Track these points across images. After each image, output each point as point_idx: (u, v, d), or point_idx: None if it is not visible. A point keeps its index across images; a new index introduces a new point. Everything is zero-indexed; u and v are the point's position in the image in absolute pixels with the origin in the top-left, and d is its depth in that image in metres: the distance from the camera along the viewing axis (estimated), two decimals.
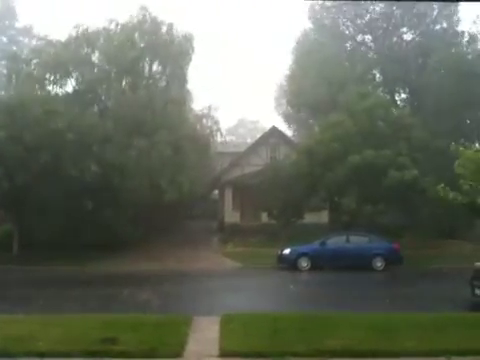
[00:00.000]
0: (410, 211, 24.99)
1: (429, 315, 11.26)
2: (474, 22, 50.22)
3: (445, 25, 33.09)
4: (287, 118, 40.81)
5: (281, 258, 20.92)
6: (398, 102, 33.20)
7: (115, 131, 23.98)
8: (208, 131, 31.25)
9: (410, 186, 21.93)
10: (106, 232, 22.63)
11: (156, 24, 27.60)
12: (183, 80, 28.60)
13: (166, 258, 23.14)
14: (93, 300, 13.42)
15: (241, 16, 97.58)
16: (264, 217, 28.22)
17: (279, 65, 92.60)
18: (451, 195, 11.81)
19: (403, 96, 34.49)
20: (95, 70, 26.78)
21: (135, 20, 27.60)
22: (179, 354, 8.20)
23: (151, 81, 28.28)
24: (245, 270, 20.67)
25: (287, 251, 20.75)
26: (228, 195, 31.50)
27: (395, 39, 34.04)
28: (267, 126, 37.19)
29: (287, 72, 37.35)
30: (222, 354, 8.27)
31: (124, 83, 27.42)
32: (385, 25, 33.59)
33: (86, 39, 26.86)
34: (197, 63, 47.19)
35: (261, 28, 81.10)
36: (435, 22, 33.17)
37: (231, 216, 30.70)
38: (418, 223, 24.54)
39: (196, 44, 28.97)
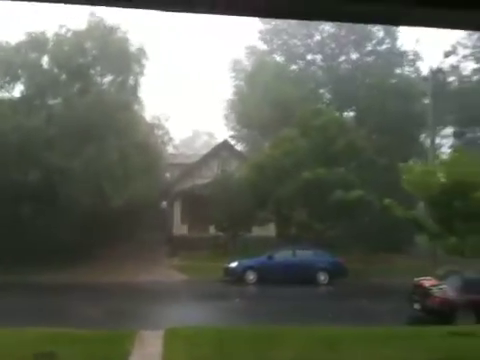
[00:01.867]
0: (357, 226, 25.61)
1: (371, 328, 11.51)
2: (417, 41, 52.79)
3: (390, 45, 34.51)
4: (238, 135, 41.02)
5: (228, 271, 20.83)
6: (347, 120, 34.12)
7: (62, 136, 23.32)
8: (159, 141, 30.88)
9: (355, 205, 22.46)
10: (47, 241, 21.78)
11: (108, 31, 27.18)
12: (134, 88, 28.23)
13: (110, 270, 22.50)
14: (29, 313, 12.80)
15: (197, 31, 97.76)
16: (212, 229, 28.10)
17: (229, 81, 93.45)
18: (398, 211, 12.17)
19: (351, 114, 35.52)
20: (44, 75, 26.03)
21: (86, 26, 27.08)
22: None
23: (102, 88, 27.76)
24: (192, 283, 20.44)
25: (234, 264, 20.70)
26: (177, 206, 31.16)
27: (343, 58, 35.11)
28: (221, 139, 37.23)
29: (235, 90, 37.55)
30: None
31: (73, 89, 26.77)
32: (334, 45, 34.62)
33: (36, 43, 26.12)
34: (152, 72, 46.74)
35: (216, 42, 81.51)
36: (381, 42, 34.52)
37: (179, 228, 30.37)
38: (365, 238, 25.15)
39: (151, 53, 28.78)
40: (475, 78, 31.50)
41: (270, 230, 27.67)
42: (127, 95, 27.55)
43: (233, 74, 37.08)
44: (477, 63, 31.10)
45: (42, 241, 21.49)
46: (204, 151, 38.46)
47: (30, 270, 20.22)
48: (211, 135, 66.46)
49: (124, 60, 26.87)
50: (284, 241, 24.15)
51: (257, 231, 26.30)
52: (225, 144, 34.73)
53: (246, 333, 10.60)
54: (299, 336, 10.49)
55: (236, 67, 36.95)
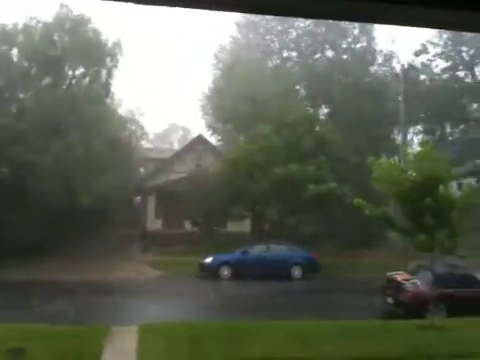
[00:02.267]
0: (330, 222, 25.91)
1: (344, 323, 11.67)
2: (392, 41, 53.55)
3: (365, 44, 34.90)
4: (212, 129, 40.94)
5: (203, 267, 20.82)
6: (321, 117, 34.44)
7: (31, 131, 22.83)
8: (132, 135, 30.56)
9: (328, 198, 22.71)
10: (15, 237, 21.31)
11: (79, 23, 26.69)
12: (107, 82, 27.82)
13: (83, 266, 22.17)
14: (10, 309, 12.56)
15: (174, 22, 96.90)
16: (187, 225, 28.00)
17: (206, 76, 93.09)
18: (368, 209, 12.32)
19: (325, 111, 35.82)
20: (14, 68, 25.42)
21: (56, 18, 26.51)
22: None
23: (74, 81, 27.28)
24: (166, 279, 20.33)
25: (209, 260, 20.70)
26: (151, 202, 30.92)
27: (319, 55, 35.35)
28: (197, 134, 37.06)
29: (211, 85, 37.48)
30: None
31: (44, 82, 26.23)
32: (310, 42, 34.81)
33: (6, 36, 25.47)
34: (127, 66, 46.14)
35: (192, 35, 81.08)
36: (356, 40, 34.88)
37: (153, 223, 30.14)
38: (337, 233, 25.45)
39: (127, 47, 28.44)
40: (445, 76, 32.15)
41: (245, 226, 27.76)
42: (99, 88, 27.15)
43: (215, 62, 36.91)
44: (447, 62, 31.75)
45: (11, 239, 20.98)
46: (179, 146, 38.20)
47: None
48: (186, 130, 65.98)
49: (96, 53, 26.42)
50: (259, 236, 24.28)
51: (232, 227, 26.34)
52: (200, 138, 34.58)
53: (220, 328, 10.63)
54: (272, 331, 10.57)
55: (219, 56, 36.79)
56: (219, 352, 8.92)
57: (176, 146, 38.73)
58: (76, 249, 24.62)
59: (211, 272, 20.36)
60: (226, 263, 20.48)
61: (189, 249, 24.57)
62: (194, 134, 38.71)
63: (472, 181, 24.20)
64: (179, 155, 33.75)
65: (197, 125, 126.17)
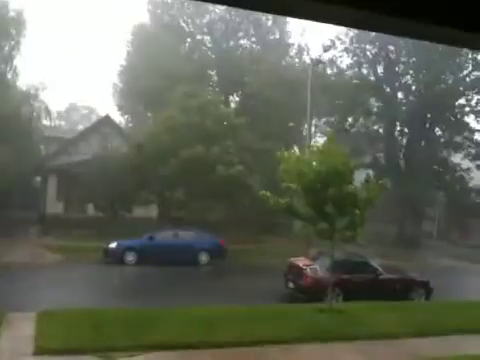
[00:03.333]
0: (237, 208, 26.32)
1: (247, 307, 11.96)
2: (301, 35, 55.18)
3: (278, 36, 35.57)
4: (122, 108, 39.71)
5: (107, 252, 20.21)
6: (232, 104, 34.69)
7: None
8: (34, 112, 28.75)
9: (235, 182, 23.00)
10: None
11: None
12: (10, 55, 25.98)
13: None
14: None
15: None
16: (91, 209, 27.00)
17: (118, 53, 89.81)
18: (272, 200, 12.64)
19: (237, 99, 36.14)
20: None
21: None
22: None
23: None
24: (67, 264, 19.47)
25: (113, 245, 20.13)
26: (52, 183, 29.27)
27: (232, 43, 35.48)
28: (103, 114, 35.57)
29: (124, 62, 36.31)
30: (37, 352, 7.68)
31: None
32: (224, 28, 34.80)
33: None
34: (32, 41, 43.25)
35: (104, 12, 77.61)
36: (269, 31, 35.45)
37: (54, 206, 28.62)
38: (244, 219, 25.94)
39: (30, 21, 26.78)
40: (350, 72, 33.71)
41: (152, 211, 27.37)
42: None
43: (130, 39, 35.67)
44: (352, 58, 33.27)
45: None
46: (82, 126, 36.52)
47: None
48: (92, 109, 63.33)
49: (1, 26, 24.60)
50: (166, 222, 24.06)
51: (139, 212, 25.83)
52: (107, 119, 33.31)
53: (123, 314, 10.43)
54: (176, 316, 10.56)
55: (133, 34, 35.58)
56: (124, 337, 8.75)
57: (81, 126, 36.95)
58: None
59: (116, 258, 19.81)
60: (132, 248, 20.04)
61: (92, 234, 23.75)
62: (100, 114, 37.20)
63: (371, 173, 25.73)
64: (84, 136, 32.27)
65: (104, 105, 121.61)
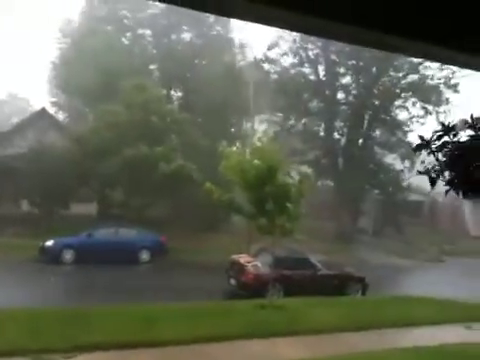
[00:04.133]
0: (178, 205, 26.10)
1: (188, 305, 11.92)
2: (243, 31, 55.29)
3: (221, 32, 35.49)
4: (59, 103, 38.28)
5: (43, 250, 19.43)
6: (173, 100, 34.32)
7: None
8: None
9: (177, 177, 22.81)
10: None
11: None
12: None
13: None
14: None
15: None
16: (25, 205, 25.89)
17: (55, 45, 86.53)
18: (216, 194, 12.69)
19: (179, 94, 35.79)
20: None
21: None
22: None
23: None
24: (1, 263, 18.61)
25: (50, 243, 19.40)
26: None
27: (174, 37, 35.05)
28: (39, 106, 34.17)
29: (59, 54, 34.92)
30: None
31: None
32: (165, 22, 34.30)
33: None
34: None
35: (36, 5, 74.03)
36: (211, 27, 35.30)
37: None
38: (185, 217, 25.76)
39: None
40: (292, 71, 34.23)
41: (91, 208, 26.61)
42: None
43: (60, 35, 34.33)
44: (294, 58, 33.80)
45: None
46: (17, 119, 34.93)
47: None
48: (26, 101, 60.71)
49: None
50: (106, 219, 23.47)
51: (77, 208, 25.02)
52: (43, 112, 32.09)
53: (59, 314, 10.12)
54: (114, 315, 10.36)
55: (66, 28, 34.26)
56: (60, 338, 8.47)
57: (15, 119, 35.29)
58: None
59: (52, 256, 19.07)
60: (69, 246, 19.38)
61: (26, 231, 22.79)
62: (35, 107, 35.69)
63: (308, 170, 26.35)
64: (19, 129, 30.94)
65: (39, 97, 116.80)
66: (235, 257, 16.07)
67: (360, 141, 32.83)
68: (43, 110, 32.21)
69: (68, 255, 19.26)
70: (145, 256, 20.48)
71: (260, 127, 36.40)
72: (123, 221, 22.19)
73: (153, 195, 23.41)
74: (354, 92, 33.44)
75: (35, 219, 23.83)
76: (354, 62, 32.03)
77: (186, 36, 35.75)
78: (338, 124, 33.99)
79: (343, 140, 33.81)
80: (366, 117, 33.01)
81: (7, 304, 11.06)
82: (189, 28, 35.13)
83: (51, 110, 33.63)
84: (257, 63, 26.24)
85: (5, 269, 17.52)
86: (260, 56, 33.06)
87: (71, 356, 7.87)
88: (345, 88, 33.52)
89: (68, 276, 18.18)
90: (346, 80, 33.70)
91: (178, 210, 26.32)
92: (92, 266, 18.09)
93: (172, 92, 35.04)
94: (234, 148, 14.95)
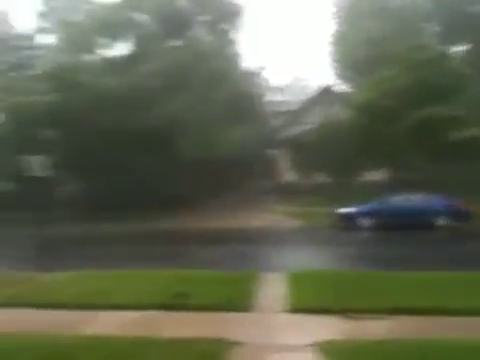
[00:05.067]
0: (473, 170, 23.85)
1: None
2: None
3: None
4: (338, 76, 39.53)
5: (340, 217, 20.52)
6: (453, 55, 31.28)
7: (164, 89, 24.17)
8: (259, 89, 30.86)
9: (469, 145, 20.88)
10: (161, 190, 23.20)
11: None
12: (232, 38, 28.26)
13: (222, 217, 23.38)
14: (164, 257, 13.84)
15: None
16: (319, 176, 27.83)
17: (328, 22, 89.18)
18: None
19: (461, 49, 32.37)
20: (143, 31, 26.76)
21: None
22: (251, 308, 8.32)
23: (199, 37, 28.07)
24: (305, 229, 20.52)
25: (346, 210, 20.34)
26: (283, 154, 31.27)
27: None
28: (318, 84, 36.24)
29: (334, 29, 35.88)
30: (291, 310, 8.31)
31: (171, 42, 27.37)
32: None
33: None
34: (248, 22, 46.19)
35: None
36: None
37: (286, 175, 30.59)
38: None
39: (246, 4, 28.80)
40: None
41: (382, 174, 26.75)
42: (225, 45, 27.66)
43: (334, 10, 35.45)
44: None
45: (161, 192, 22.88)
46: (301, 98, 37.56)
47: (156, 218, 21.85)
48: (306, 81, 64.80)
49: (222, 11, 26.87)
50: (398, 185, 23.18)
51: (368, 176, 25.57)
52: (327, 88, 33.92)
53: (363, 277, 10.13)
54: (415, 281, 9.87)
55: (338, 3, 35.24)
56: (363, 301, 8.69)
57: (301, 98, 38.05)
58: (214, 201, 26.06)
59: (349, 222, 20.05)
60: (365, 213, 19.95)
61: (322, 200, 24.50)
62: (316, 86, 37.67)
63: None
64: (306, 106, 33.45)
65: (318, 77, 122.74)
66: None
67: None
68: (326, 86, 33.98)
69: (365, 221, 19.74)
70: (442, 221, 19.40)
71: None
72: (416, 187, 21.45)
73: (447, 161, 21.96)
74: None
75: (329, 188, 25.37)
76: None
77: None
78: None
79: None
80: None
81: (314, 265, 11.97)
82: None
83: (332, 85, 35.06)
84: None
85: (312, 234, 19.28)
86: None
87: (379, 317, 7.99)
88: None
89: (367, 242, 18.45)
90: None
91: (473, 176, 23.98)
92: (388, 232, 18.23)
93: (453, 48, 32.01)
94: None
